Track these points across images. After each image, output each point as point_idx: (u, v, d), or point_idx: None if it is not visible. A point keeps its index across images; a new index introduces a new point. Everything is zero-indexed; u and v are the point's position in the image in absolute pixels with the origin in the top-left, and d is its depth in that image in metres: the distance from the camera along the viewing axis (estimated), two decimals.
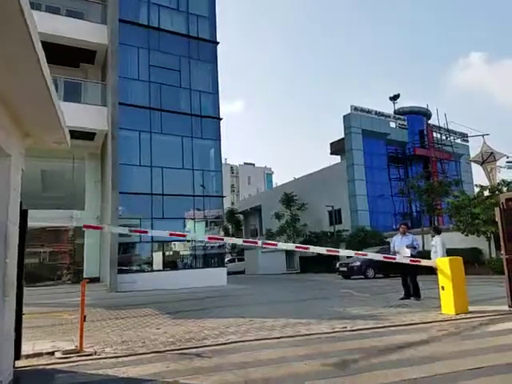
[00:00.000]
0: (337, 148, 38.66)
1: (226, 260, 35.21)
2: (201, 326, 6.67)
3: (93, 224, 17.00)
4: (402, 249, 9.23)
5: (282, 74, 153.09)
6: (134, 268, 15.97)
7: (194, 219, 17.39)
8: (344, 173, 33.05)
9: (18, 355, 4.34)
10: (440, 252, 8.96)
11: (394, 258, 7.82)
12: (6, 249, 3.84)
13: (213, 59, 19.15)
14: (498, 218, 7.16)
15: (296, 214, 34.54)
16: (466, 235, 20.19)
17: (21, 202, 4.65)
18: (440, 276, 7.16)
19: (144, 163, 16.41)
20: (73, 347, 5.20)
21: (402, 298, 9.23)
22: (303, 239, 32.94)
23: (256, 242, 7.41)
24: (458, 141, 39.84)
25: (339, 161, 37.28)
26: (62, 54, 16.06)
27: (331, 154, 41.81)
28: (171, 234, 7.76)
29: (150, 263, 16.32)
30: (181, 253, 18.02)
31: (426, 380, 3.79)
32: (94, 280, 16.09)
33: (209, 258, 18.06)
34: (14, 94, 3.55)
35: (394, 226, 32.85)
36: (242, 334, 5.91)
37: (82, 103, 16.59)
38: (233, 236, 46.51)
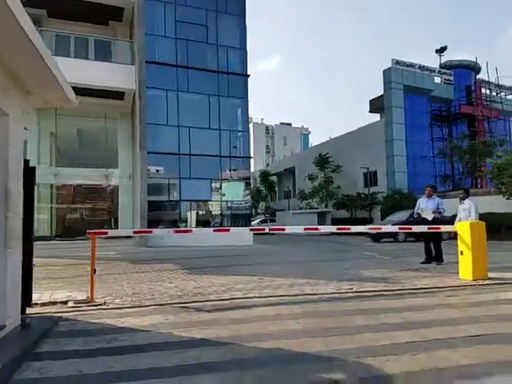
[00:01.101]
0: (376, 106, 36.98)
1: (259, 220, 35.65)
2: (211, 282, 6.85)
3: (126, 182, 17.68)
4: (426, 212, 8.87)
5: (321, 30, 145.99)
6: (163, 224, 16.48)
7: (221, 179, 17.48)
8: (382, 132, 31.73)
9: (29, 303, 4.65)
10: (473, 216, 8.18)
11: (410, 229, 7.46)
12: (8, 203, 4.01)
13: (241, 12, 18.43)
14: None
15: (330, 176, 33.96)
16: (508, 199, 19.06)
17: (27, 160, 4.80)
18: (459, 241, 6.84)
19: (171, 123, 16.49)
20: (84, 297, 5.51)
21: (422, 262, 8.98)
22: (336, 201, 32.54)
23: (263, 229, 7.25)
24: (510, 97, 36.84)
25: (379, 119, 35.77)
26: (90, 11, 16.07)
27: (370, 112, 40.21)
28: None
29: (179, 221, 16.77)
30: (209, 212, 18.34)
31: (416, 344, 3.71)
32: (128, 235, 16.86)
33: (235, 218, 18.26)
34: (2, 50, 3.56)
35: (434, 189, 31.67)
36: (247, 291, 6.00)
37: (112, 62, 16.69)
38: (266, 197, 46.80)
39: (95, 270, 5.57)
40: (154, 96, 16.28)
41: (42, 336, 3.94)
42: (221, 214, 17.98)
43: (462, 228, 6.81)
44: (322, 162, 34.34)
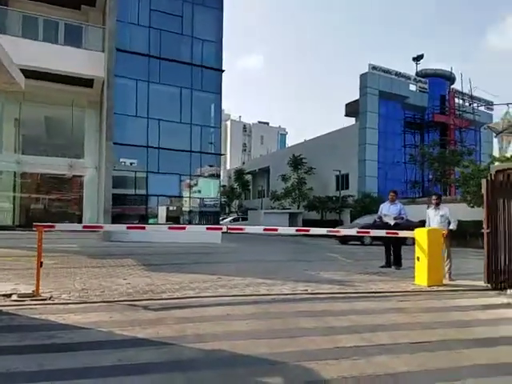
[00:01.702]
0: (352, 110, 37.35)
1: (231, 218, 35.51)
2: (166, 280, 6.68)
3: (91, 173, 17.15)
4: (388, 217, 8.98)
5: (301, 32, 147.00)
6: (128, 220, 16.08)
7: (190, 175, 17.16)
8: (356, 136, 32.12)
9: None
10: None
11: (368, 233, 7.50)
12: None
13: (219, 5, 18.09)
14: (484, 190, 6.78)
15: (303, 178, 34.16)
16: (472, 207, 19.63)
17: None
18: (417, 247, 6.93)
19: (140, 114, 16.04)
20: (30, 291, 5.25)
21: (382, 266, 9.10)
22: (307, 203, 32.77)
23: (221, 228, 7.04)
24: (482, 108, 37.99)
25: (354, 123, 36.20)
26: None
27: (346, 115, 40.58)
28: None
29: (145, 216, 16.40)
30: (178, 208, 18.01)
31: (360, 349, 3.69)
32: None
33: (204, 216, 18.02)
34: None
35: (403, 194, 32.34)
36: (201, 290, 5.88)
37: (82, 48, 16.16)
38: (239, 195, 46.63)
39: (41, 263, 5.32)
40: (124, 85, 15.77)
41: None
42: (189, 211, 17.68)
43: (420, 234, 6.90)
44: (296, 163, 34.51)
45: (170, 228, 6.32)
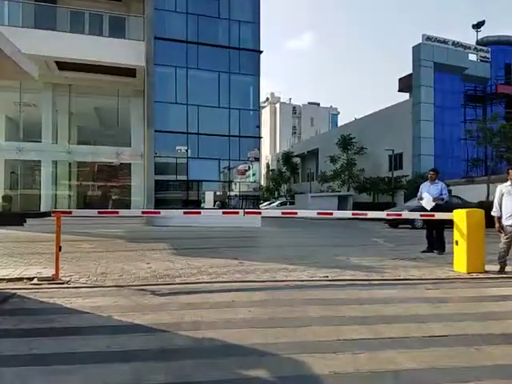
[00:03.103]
0: (405, 84, 35.18)
1: (278, 203, 35.24)
2: (188, 264, 6.66)
3: (138, 161, 17.71)
4: (426, 200, 8.28)
5: (351, 8, 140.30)
6: (171, 205, 16.43)
7: (229, 160, 17.10)
8: (410, 113, 30.28)
9: None
10: None
11: (433, 215, 6.74)
12: None
13: None
14: None
15: (353, 159, 32.92)
16: None
17: None
18: (455, 230, 6.29)
19: (180, 101, 16.18)
20: (49, 275, 5.45)
21: (423, 251, 8.46)
22: (357, 185, 31.63)
23: (237, 213, 6.73)
24: None
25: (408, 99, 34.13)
26: None
27: (399, 91, 38.39)
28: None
29: (187, 201, 16.67)
30: (218, 193, 18.13)
31: (365, 341, 3.38)
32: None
33: (244, 200, 17.96)
34: None
35: (464, 173, 30.16)
36: (217, 275, 5.77)
37: (124, 38, 16.56)
38: (288, 179, 46.16)
39: (60, 247, 5.48)
40: (163, 73, 15.99)
41: None
42: (228, 196, 17.72)
43: (458, 216, 6.25)
44: (345, 143, 33.30)
45: (185, 213, 6.22)
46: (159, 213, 6.50)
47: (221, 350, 3.22)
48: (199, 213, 6.17)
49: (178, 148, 16.92)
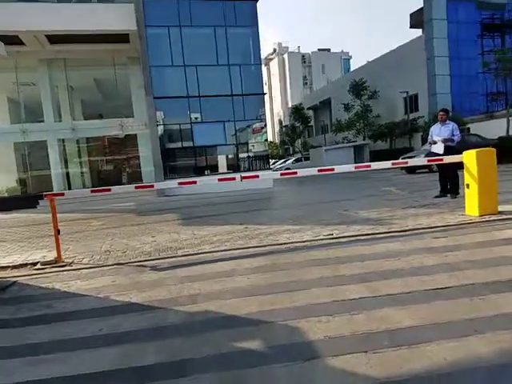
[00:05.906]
0: (417, 20, 33.04)
1: (293, 160, 34.55)
2: (193, 234, 6.59)
3: (144, 131, 17.45)
4: (436, 146, 7.87)
5: None
6: (181, 173, 16.27)
7: (234, 121, 16.56)
8: (423, 50, 28.61)
9: None
10: None
11: (441, 160, 6.37)
12: None
13: None
14: None
15: (367, 105, 31.69)
16: None
17: None
18: (465, 172, 5.95)
19: (176, 63, 15.53)
20: (52, 258, 5.48)
21: (436, 196, 8.15)
22: (373, 132, 30.65)
23: (234, 178, 6.42)
24: None
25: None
26: None
27: (411, 27, 36.19)
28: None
29: (195, 168, 16.49)
30: (229, 156, 17.80)
31: (363, 301, 3.26)
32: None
33: (254, 162, 17.64)
34: None
35: (484, 109, 28.79)
36: (220, 243, 5.68)
37: (113, 3, 15.86)
38: (301, 133, 45.04)
39: (59, 230, 5.47)
40: (156, 34, 15.23)
41: None
42: (237, 158, 17.39)
43: (468, 157, 5.88)
44: (358, 89, 31.96)
45: (180, 183, 6.06)
46: (153, 186, 6.31)
47: (214, 322, 3.16)
48: (195, 182, 5.94)
49: (188, 114, 16.38)
